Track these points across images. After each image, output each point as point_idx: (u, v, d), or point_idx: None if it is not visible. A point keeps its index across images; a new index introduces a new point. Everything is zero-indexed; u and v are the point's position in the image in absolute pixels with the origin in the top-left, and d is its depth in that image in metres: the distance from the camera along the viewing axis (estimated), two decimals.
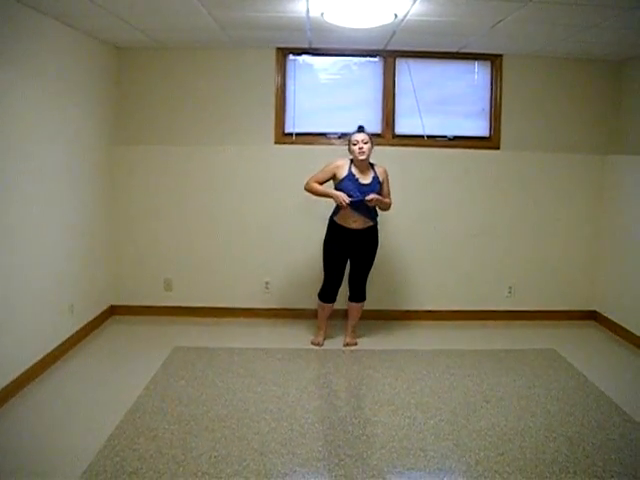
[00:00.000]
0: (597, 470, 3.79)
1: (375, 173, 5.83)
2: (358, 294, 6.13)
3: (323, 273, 6.06)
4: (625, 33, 5.46)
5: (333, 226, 5.95)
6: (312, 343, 6.11)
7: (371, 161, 5.83)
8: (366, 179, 5.77)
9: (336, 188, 5.78)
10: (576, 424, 4.44)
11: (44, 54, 5.14)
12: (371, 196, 5.63)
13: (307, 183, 5.88)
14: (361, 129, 5.81)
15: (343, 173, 5.77)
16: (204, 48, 6.68)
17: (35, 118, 5.04)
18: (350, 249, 5.93)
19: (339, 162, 5.85)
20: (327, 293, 6.06)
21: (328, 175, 5.84)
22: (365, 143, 5.69)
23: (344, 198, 5.62)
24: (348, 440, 4.18)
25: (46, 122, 5.24)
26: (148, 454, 3.92)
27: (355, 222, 5.81)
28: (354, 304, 6.16)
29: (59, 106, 5.47)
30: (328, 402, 4.74)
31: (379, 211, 5.95)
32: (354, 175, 5.75)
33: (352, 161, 5.82)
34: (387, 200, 5.91)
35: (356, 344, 6.15)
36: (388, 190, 5.94)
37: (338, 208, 5.81)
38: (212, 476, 3.67)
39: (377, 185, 5.78)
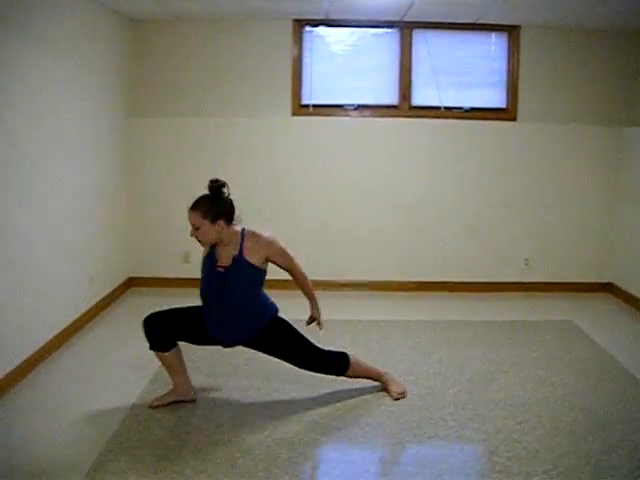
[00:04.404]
0: (614, 440, 3.81)
1: (241, 250, 3.99)
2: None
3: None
4: None
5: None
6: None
7: (249, 228, 4.11)
8: (226, 259, 4.02)
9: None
10: (593, 394, 4.47)
11: (59, 27, 5.15)
12: None
13: None
14: (194, 203, 3.95)
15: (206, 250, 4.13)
16: (220, 20, 6.67)
17: (51, 90, 5.05)
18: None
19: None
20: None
21: None
22: (197, 228, 3.94)
23: None
24: (368, 409, 4.22)
25: (63, 95, 5.27)
26: (171, 423, 3.97)
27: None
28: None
29: (75, 79, 5.49)
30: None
31: None
32: (214, 255, 4.07)
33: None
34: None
35: None
36: (284, 261, 4.16)
37: None
38: (235, 444, 3.72)
39: (240, 268, 3.99)
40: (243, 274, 4.00)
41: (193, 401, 4.27)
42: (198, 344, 4.35)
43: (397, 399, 4.33)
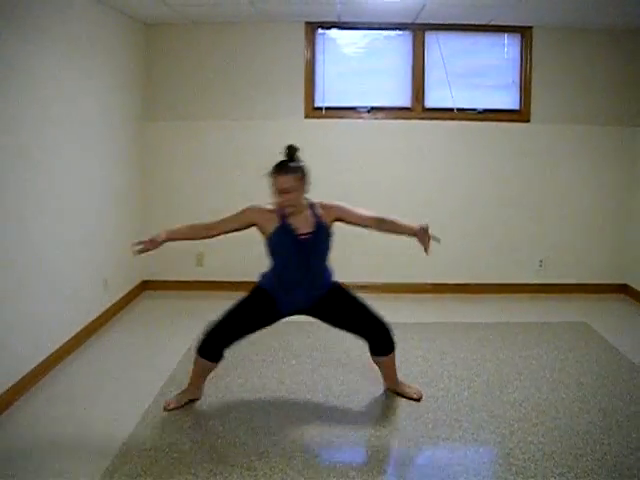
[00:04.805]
0: (631, 441, 3.79)
1: (317, 216, 4.08)
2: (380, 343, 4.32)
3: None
4: None
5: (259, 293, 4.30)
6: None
7: (312, 200, 4.15)
8: (305, 227, 4.05)
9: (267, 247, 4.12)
10: (609, 396, 4.45)
11: (74, 30, 5.17)
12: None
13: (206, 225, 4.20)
14: (282, 166, 3.95)
15: (271, 225, 4.04)
16: (232, 23, 6.69)
17: (65, 94, 5.07)
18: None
19: (258, 207, 4.11)
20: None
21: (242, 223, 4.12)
22: (287, 192, 3.92)
23: None
24: (383, 412, 4.23)
25: (76, 98, 5.28)
26: (186, 425, 3.98)
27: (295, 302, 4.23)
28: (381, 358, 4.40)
29: (89, 83, 5.52)
30: (362, 375, 4.76)
31: None
32: (289, 225, 4.03)
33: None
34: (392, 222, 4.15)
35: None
36: (356, 213, 4.14)
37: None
38: (250, 447, 3.72)
39: (323, 232, 4.09)
40: (326, 237, 4.11)
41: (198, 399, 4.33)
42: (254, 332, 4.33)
43: (418, 399, 4.37)
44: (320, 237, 4.07)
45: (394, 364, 4.41)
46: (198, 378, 4.29)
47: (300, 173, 3.96)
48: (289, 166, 3.93)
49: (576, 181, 6.96)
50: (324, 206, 4.11)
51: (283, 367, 4.89)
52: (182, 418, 4.07)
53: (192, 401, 4.30)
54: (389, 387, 4.49)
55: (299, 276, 4.09)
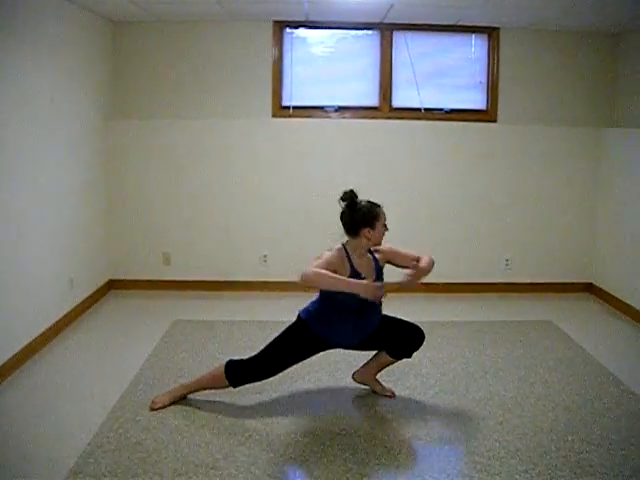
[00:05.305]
0: (594, 438, 3.84)
1: (374, 259, 4.13)
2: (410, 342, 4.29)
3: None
4: (622, 5, 5.47)
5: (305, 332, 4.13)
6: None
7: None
8: (369, 271, 4.06)
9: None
10: (574, 394, 4.49)
11: (39, 28, 5.11)
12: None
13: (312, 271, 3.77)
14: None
15: (345, 268, 3.97)
16: (199, 21, 6.67)
17: (30, 92, 5.02)
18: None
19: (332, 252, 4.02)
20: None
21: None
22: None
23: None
24: (348, 410, 4.25)
25: (41, 96, 5.23)
26: (151, 425, 3.95)
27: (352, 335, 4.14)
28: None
29: (54, 80, 5.46)
30: (329, 373, 4.77)
31: None
32: (354, 267, 4.00)
33: (346, 249, 4.04)
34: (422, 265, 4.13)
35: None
36: (405, 254, 4.20)
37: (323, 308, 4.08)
38: (216, 446, 3.71)
39: (381, 275, 4.16)
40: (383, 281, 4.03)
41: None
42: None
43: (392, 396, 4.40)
44: (380, 280, 4.05)
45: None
46: (202, 389, 4.27)
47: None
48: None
49: (542, 181, 7.02)
50: (378, 250, 4.12)
51: None
52: (147, 418, 4.04)
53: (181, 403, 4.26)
54: (364, 380, 4.47)
55: (352, 319, 4.03)
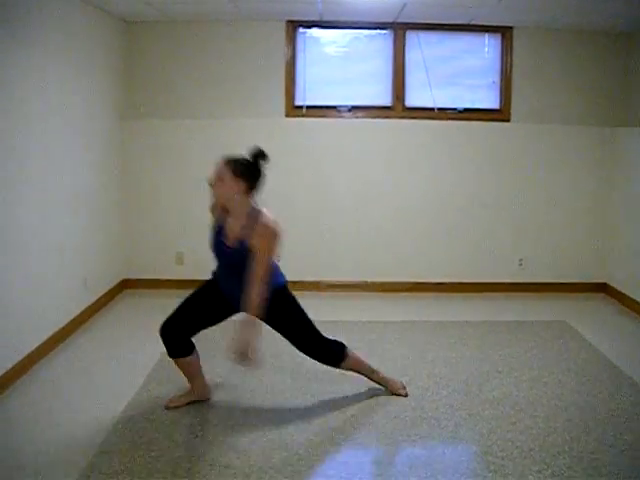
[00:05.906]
0: (608, 438, 3.82)
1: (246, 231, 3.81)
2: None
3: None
4: (635, 4, 5.44)
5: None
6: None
7: (260, 207, 3.91)
8: (232, 237, 3.88)
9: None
10: (587, 394, 4.48)
11: (52, 28, 5.12)
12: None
13: None
14: (229, 158, 3.93)
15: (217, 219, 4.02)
16: (213, 21, 6.67)
17: (43, 92, 5.03)
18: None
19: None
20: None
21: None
22: (219, 180, 3.85)
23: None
24: (362, 409, 4.23)
25: (54, 96, 5.24)
26: (164, 424, 3.96)
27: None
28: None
29: (67, 80, 5.47)
30: (341, 373, 4.76)
31: None
32: (223, 230, 3.94)
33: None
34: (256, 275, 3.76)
35: None
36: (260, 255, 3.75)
37: None
38: (229, 445, 3.72)
39: (245, 253, 3.79)
40: (246, 258, 3.75)
41: (208, 399, 4.29)
42: (219, 322, 4.24)
43: (405, 395, 4.39)
44: (240, 255, 3.80)
45: (356, 366, 4.35)
46: (191, 377, 4.20)
47: (237, 167, 3.80)
48: (231, 158, 3.84)
49: (555, 180, 6.99)
50: (259, 226, 3.77)
51: (263, 367, 4.88)
52: (160, 417, 4.05)
53: (196, 402, 4.26)
54: (369, 377, 4.44)
55: (222, 268, 4.03)
